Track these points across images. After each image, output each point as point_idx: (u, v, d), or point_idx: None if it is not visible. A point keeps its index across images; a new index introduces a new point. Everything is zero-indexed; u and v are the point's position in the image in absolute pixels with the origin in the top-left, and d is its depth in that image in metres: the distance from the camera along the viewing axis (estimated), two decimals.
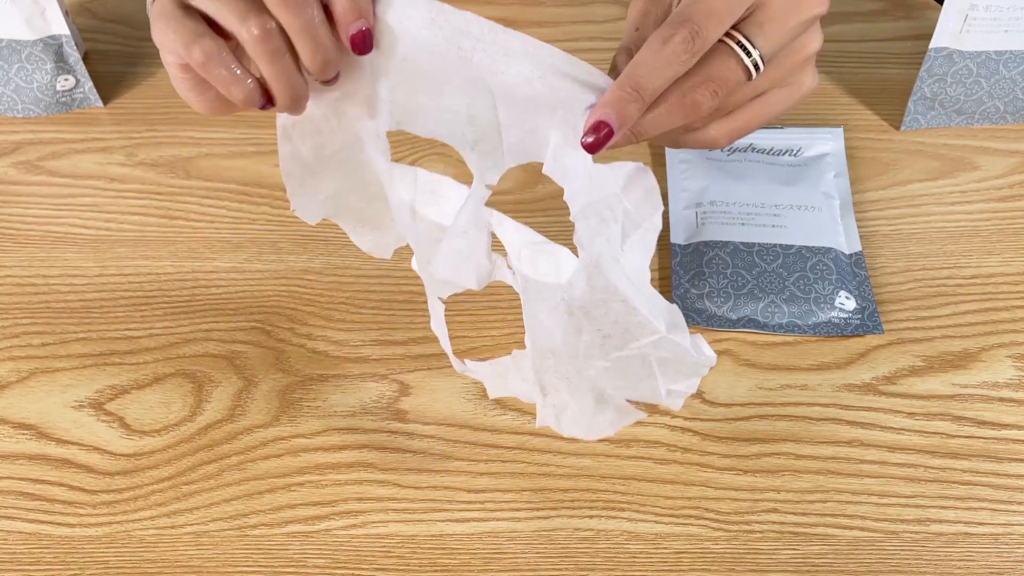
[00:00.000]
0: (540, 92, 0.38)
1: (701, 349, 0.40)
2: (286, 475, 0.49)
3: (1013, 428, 0.51)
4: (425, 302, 0.47)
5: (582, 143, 0.37)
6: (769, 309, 0.55)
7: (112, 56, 0.71)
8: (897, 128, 0.66)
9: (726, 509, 0.48)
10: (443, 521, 0.48)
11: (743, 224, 0.58)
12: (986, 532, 0.48)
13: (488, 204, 0.44)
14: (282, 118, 0.42)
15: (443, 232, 0.43)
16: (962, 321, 0.55)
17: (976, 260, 0.58)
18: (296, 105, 0.39)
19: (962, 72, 0.63)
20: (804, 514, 0.48)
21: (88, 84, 0.66)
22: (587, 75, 0.37)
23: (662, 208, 0.39)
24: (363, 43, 0.38)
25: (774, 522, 0.48)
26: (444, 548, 0.47)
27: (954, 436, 0.51)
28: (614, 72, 0.39)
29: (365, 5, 0.38)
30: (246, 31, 0.37)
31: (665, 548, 0.47)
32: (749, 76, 0.38)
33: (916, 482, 0.49)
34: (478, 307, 0.55)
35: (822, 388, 0.53)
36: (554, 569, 0.47)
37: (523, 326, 0.55)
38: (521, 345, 0.54)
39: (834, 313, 0.55)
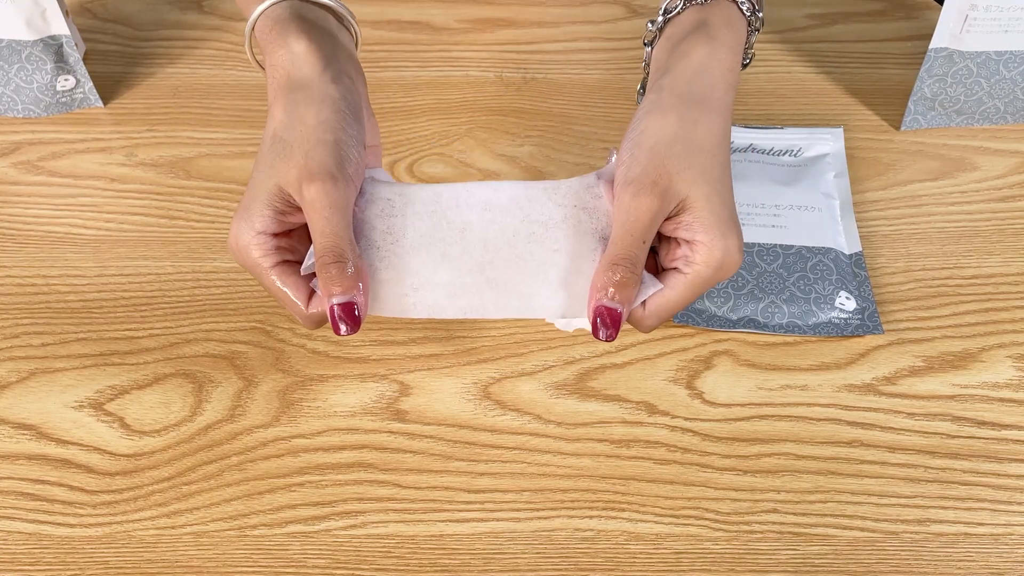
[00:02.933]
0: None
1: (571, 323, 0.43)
2: (286, 475, 0.49)
3: (1013, 428, 0.51)
4: None
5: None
6: (769, 309, 0.55)
7: (112, 56, 0.71)
8: (897, 128, 0.66)
9: (726, 509, 0.48)
10: (443, 521, 0.48)
11: (743, 224, 0.58)
12: (986, 532, 0.48)
13: None
14: None
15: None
16: (962, 321, 0.55)
17: (976, 260, 0.58)
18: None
19: (962, 72, 0.63)
20: (804, 514, 0.48)
21: (88, 84, 0.66)
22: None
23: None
24: (346, 319, 0.40)
25: (774, 522, 0.48)
26: (444, 548, 0.47)
27: (954, 436, 0.51)
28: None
29: (332, 283, 0.40)
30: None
31: (665, 548, 0.47)
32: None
33: (916, 482, 0.49)
34: None
35: (822, 388, 0.53)
36: (554, 569, 0.47)
37: (523, 326, 0.55)
38: (521, 345, 0.54)
39: (834, 313, 0.55)
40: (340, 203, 0.41)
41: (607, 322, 0.40)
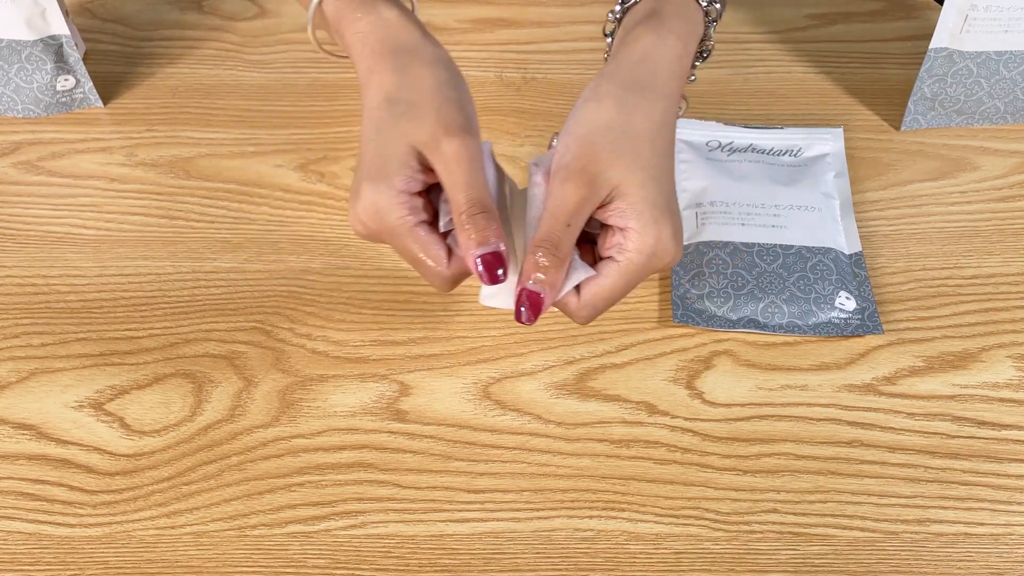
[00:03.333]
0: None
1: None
2: (286, 475, 0.49)
3: (1013, 428, 0.51)
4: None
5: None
6: (769, 309, 0.55)
7: (112, 56, 0.71)
8: (897, 128, 0.66)
9: (726, 509, 0.48)
10: (443, 521, 0.48)
11: (743, 224, 0.58)
12: (986, 532, 0.48)
13: None
14: None
15: None
16: (962, 321, 0.55)
17: (976, 260, 0.58)
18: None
19: (962, 72, 0.63)
20: (804, 514, 0.48)
21: (88, 84, 0.66)
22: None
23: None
24: (495, 268, 0.40)
25: (774, 522, 0.48)
26: (444, 548, 0.47)
27: (954, 436, 0.51)
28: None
29: (482, 232, 0.40)
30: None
31: (665, 548, 0.47)
32: None
33: (916, 482, 0.49)
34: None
35: (822, 388, 0.53)
36: (554, 569, 0.47)
37: (521, 328, 0.55)
38: (521, 345, 0.54)
39: (834, 313, 0.55)
40: (478, 157, 0.41)
41: (527, 305, 0.40)
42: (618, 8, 0.47)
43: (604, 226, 0.42)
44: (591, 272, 0.41)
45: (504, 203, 0.43)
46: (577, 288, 0.42)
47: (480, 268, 0.39)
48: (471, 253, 0.39)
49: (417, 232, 0.41)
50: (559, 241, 0.40)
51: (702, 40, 0.48)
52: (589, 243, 0.44)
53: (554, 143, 0.44)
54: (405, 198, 0.41)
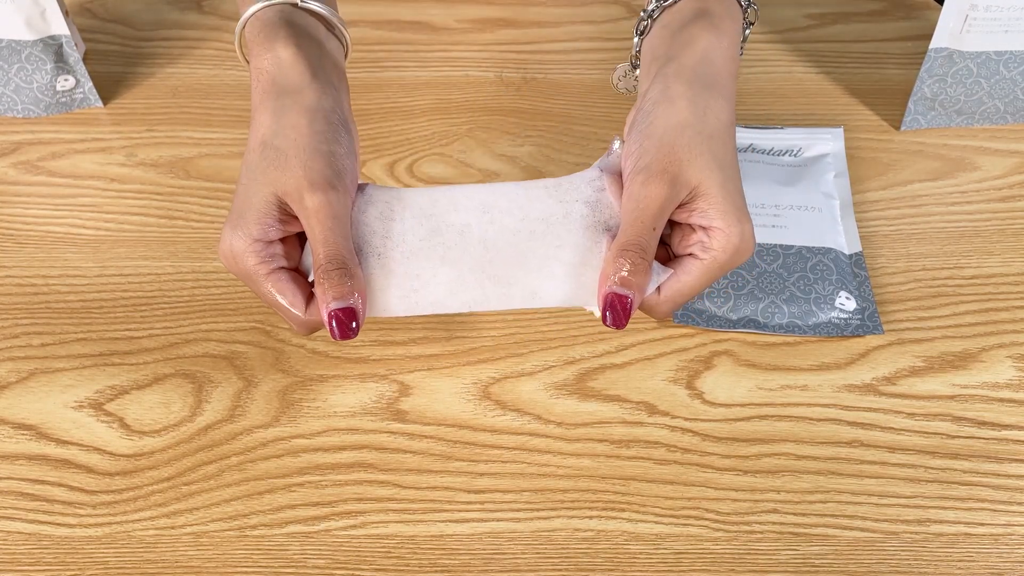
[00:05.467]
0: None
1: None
2: (286, 475, 0.49)
3: (1013, 428, 0.51)
4: None
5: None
6: (769, 309, 0.55)
7: (112, 56, 0.71)
8: (897, 128, 0.66)
9: (726, 510, 0.48)
10: (443, 521, 0.48)
11: None
12: (986, 532, 0.48)
13: None
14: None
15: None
16: (962, 321, 0.55)
17: (976, 260, 0.58)
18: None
19: (962, 72, 0.63)
20: (804, 514, 0.48)
21: (88, 84, 0.66)
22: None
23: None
24: (345, 324, 0.40)
25: (774, 523, 0.48)
26: (444, 548, 0.47)
27: (954, 436, 0.51)
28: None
29: (337, 288, 0.40)
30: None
31: (665, 549, 0.47)
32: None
33: (916, 482, 0.49)
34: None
35: (822, 388, 0.53)
36: (554, 569, 0.47)
37: (523, 326, 0.55)
38: (521, 345, 0.54)
39: (834, 313, 0.55)
40: (341, 213, 0.41)
41: (617, 309, 0.40)
42: (653, 6, 0.47)
43: (678, 225, 0.42)
44: (669, 272, 0.41)
45: (400, 237, 0.42)
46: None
47: (333, 323, 0.40)
48: (324, 307, 0.40)
49: (272, 279, 0.42)
50: (647, 245, 0.39)
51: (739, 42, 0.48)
52: (660, 241, 0.43)
53: (615, 147, 0.43)
54: (260, 246, 0.41)
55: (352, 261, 0.41)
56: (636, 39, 0.48)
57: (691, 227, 0.42)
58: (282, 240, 0.43)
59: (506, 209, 0.43)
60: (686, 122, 0.41)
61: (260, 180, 0.42)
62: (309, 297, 0.42)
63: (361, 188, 0.44)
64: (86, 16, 0.74)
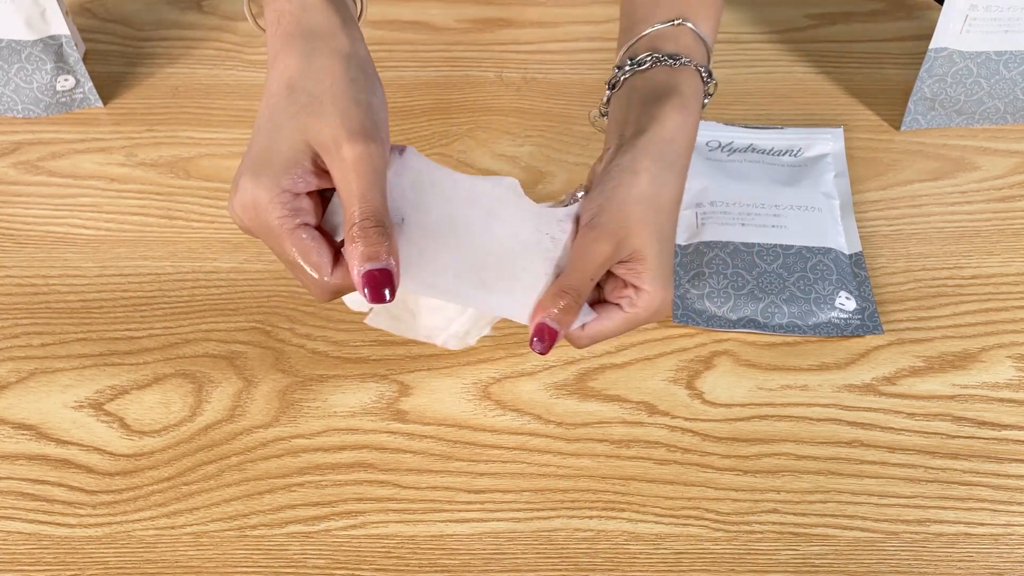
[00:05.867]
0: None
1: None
2: (286, 475, 0.49)
3: (1013, 428, 0.51)
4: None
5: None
6: (769, 309, 0.55)
7: (112, 56, 0.71)
8: (897, 128, 0.66)
9: (726, 509, 0.48)
10: (443, 521, 0.48)
11: (743, 224, 0.58)
12: (986, 532, 0.48)
13: None
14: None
15: None
16: (962, 321, 0.55)
17: (976, 260, 0.58)
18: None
19: (962, 72, 0.63)
20: (804, 514, 0.48)
21: (88, 84, 0.66)
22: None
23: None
24: (384, 285, 0.38)
25: (774, 522, 0.48)
26: (444, 548, 0.47)
27: (954, 436, 0.51)
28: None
29: (373, 247, 0.38)
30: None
31: (665, 549, 0.47)
32: None
33: (916, 482, 0.49)
34: None
35: (822, 388, 0.53)
36: (554, 569, 0.47)
37: (521, 328, 0.55)
38: (522, 345, 0.54)
39: (834, 313, 0.55)
40: (380, 167, 0.39)
41: (544, 338, 0.43)
42: (628, 67, 0.49)
43: (613, 275, 0.45)
44: (593, 315, 0.45)
45: (426, 211, 0.42)
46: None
47: (367, 286, 0.37)
48: (357, 268, 0.38)
49: (297, 235, 0.39)
50: (582, 290, 0.43)
51: None
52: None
53: (578, 195, 0.46)
54: (288, 197, 0.38)
55: (388, 221, 0.38)
56: (608, 92, 0.50)
57: (623, 281, 0.45)
58: (309, 194, 0.40)
59: (504, 220, 0.44)
60: (643, 196, 0.44)
61: (290, 125, 0.39)
62: (335, 260, 0.40)
63: (394, 149, 0.42)
64: (86, 16, 0.74)
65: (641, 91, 0.48)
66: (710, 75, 0.49)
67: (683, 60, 0.48)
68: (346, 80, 0.39)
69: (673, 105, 0.46)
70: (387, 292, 0.38)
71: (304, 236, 0.39)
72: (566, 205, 0.47)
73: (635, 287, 0.44)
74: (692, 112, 0.47)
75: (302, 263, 0.39)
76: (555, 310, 0.43)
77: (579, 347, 0.46)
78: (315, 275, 0.39)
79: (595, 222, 0.44)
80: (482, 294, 0.43)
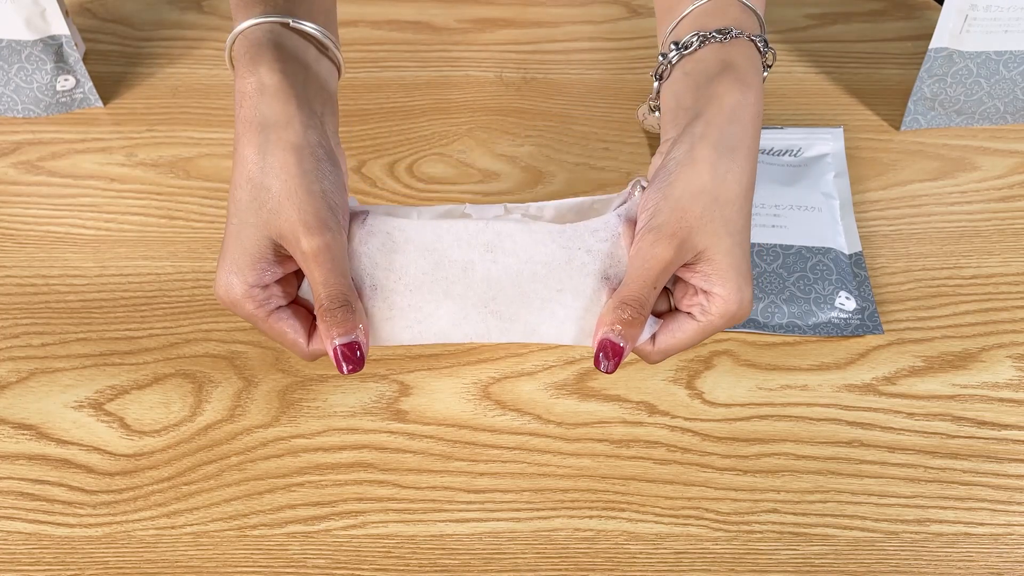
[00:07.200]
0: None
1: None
2: (286, 475, 0.49)
3: (1013, 428, 0.51)
4: None
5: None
6: (769, 309, 0.55)
7: (112, 56, 0.71)
8: (897, 128, 0.66)
9: (726, 509, 0.48)
10: (443, 521, 0.48)
11: None
12: (986, 532, 0.48)
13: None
14: None
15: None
16: (962, 321, 0.55)
17: (976, 260, 0.58)
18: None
19: (962, 72, 0.63)
20: (804, 514, 0.48)
21: (88, 84, 0.66)
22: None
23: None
24: (351, 358, 0.41)
25: (774, 522, 0.48)
26: (444, 548, 0.47)
27: (954, 436, 0.51)
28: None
29: (341, 325, 0.41)
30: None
31: (665, 548, 0.47)
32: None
33: (916, 482, 0.49)
34: None
35: (822, 388, 0.53)
36: (554, 569, 0.47)
37: None
38: (521, 345, 0.54)
39: (834, 313, 0.55)
40: (338, 254, 0.41)
41: (609, 355, 0.41)
42: (673, 53, 0.45)
43: (682, 280, 0.43)
44: (659, 323, 0.43)
45: (402, 270, 0.43)
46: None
47: (339, 358, 0.41)
48: (330, 343, 0.41)
49: (270, 323, 0.42)
50: (645, 301, 0.41)
51: None
52: (664, 289, 0.44)
53: (636, 192, 0.44)
54: (257, 291, 0.42)
55: (353, 296, 0.41)
56: (656, 84, 0.47)
57: (693, 287, 0.43)
58: (278, 280, 0.43)
59: (510, 250, 0.43)
60: (704, 188, 0.41)
61: (252, 222, 0.41)
62: (311, 328, 0.43)
63: (358, 216, 0.44)
64: (86, 16, 0.74)
65: (693, 75, 0.44)
66: (766, 44, 0.45)
67: (734, 33, 0.44)
68: (299, 173, 0.41)
69: (730, 81, 0.43)
70: (358, 357, 0.41)
71: (277, 321, 0.43)
72: (625, 198, 0.44)
73: (706, 292, 0.42)
74: (752, 86, 0.43)
75: (285, 336, 0.43)
76: (617, 324, 0.41)
77: (651, 362, 0.44)
78: (294, 346, 0.43)
79: (652, 224, 0.41)
80: (504, 324, 0.43)
